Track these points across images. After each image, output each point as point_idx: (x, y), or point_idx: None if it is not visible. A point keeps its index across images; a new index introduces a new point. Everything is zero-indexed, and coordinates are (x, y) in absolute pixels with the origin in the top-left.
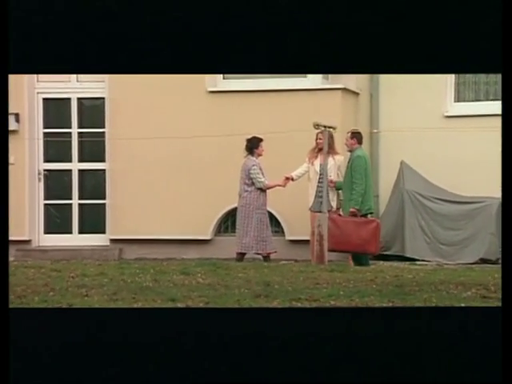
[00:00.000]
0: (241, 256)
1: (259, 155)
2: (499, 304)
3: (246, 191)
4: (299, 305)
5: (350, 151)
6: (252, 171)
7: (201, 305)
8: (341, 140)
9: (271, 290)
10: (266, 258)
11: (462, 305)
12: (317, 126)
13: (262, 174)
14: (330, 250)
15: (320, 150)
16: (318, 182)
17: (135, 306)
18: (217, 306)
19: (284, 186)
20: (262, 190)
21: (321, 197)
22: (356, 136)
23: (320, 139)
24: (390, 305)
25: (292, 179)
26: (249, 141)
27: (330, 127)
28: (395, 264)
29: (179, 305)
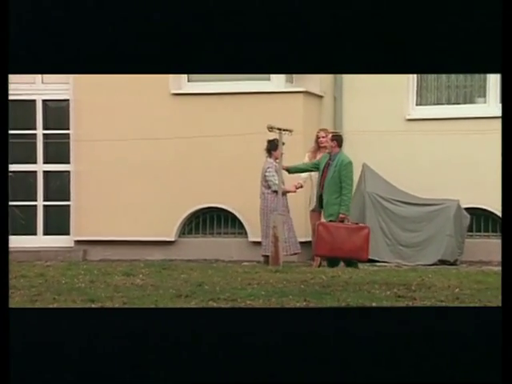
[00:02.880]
0: (267, 258)
1: (276, 158)
2: (409, 303)
3: (264, 193)
4: (214, 304)
5: (330, 153)
6: (267, 173)
7: (117, 305)
8: (303, 141)
9: (196, 291)
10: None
11: (373, 304)
12: (271, 128)
13: (278, 176)
14: (320, 255)
15: (320, 148)
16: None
17: (51, 306)
18: (133, 306)
19: (295, 191)
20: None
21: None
22: (336, 139)
23: (323, 137)
24: (304, 304)
25: (301, 186)
26: (269, 142)
27: (285, 130)
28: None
29: (93, 305)
